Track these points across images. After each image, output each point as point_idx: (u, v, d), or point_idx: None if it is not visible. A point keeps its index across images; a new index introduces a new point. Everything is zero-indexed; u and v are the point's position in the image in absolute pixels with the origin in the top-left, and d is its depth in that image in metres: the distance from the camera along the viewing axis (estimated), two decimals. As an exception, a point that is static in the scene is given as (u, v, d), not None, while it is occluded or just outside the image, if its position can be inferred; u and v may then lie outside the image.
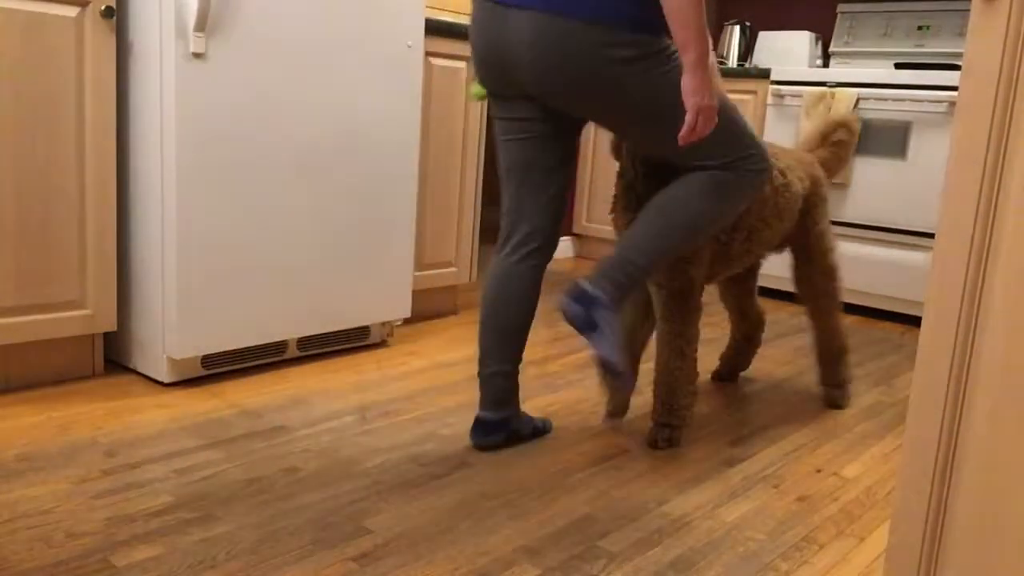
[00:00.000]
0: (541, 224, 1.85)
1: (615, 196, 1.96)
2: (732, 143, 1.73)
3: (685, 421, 1.94)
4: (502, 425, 1.88)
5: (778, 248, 2.23)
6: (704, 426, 2.10)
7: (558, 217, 1.87)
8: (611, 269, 1.71)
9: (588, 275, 1.72)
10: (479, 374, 1.89)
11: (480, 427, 1.88)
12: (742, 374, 2.53)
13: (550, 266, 4.11)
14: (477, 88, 1.90)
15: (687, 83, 1.60)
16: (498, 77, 1.74)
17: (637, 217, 1.76)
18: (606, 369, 1.72)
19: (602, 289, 1.69)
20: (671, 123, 1.67)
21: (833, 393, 2.33)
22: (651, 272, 1.73)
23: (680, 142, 1.64)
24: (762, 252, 2.11)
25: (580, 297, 1.69)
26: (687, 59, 1.59)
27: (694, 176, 1.74)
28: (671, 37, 1.62)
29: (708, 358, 2.65)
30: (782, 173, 2.02)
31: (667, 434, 1.94)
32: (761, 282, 3.66)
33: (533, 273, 1.87)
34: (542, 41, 1.63)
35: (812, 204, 2.17)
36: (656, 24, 1.63)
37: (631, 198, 1.91)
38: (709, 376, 2.49)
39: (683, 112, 1.64)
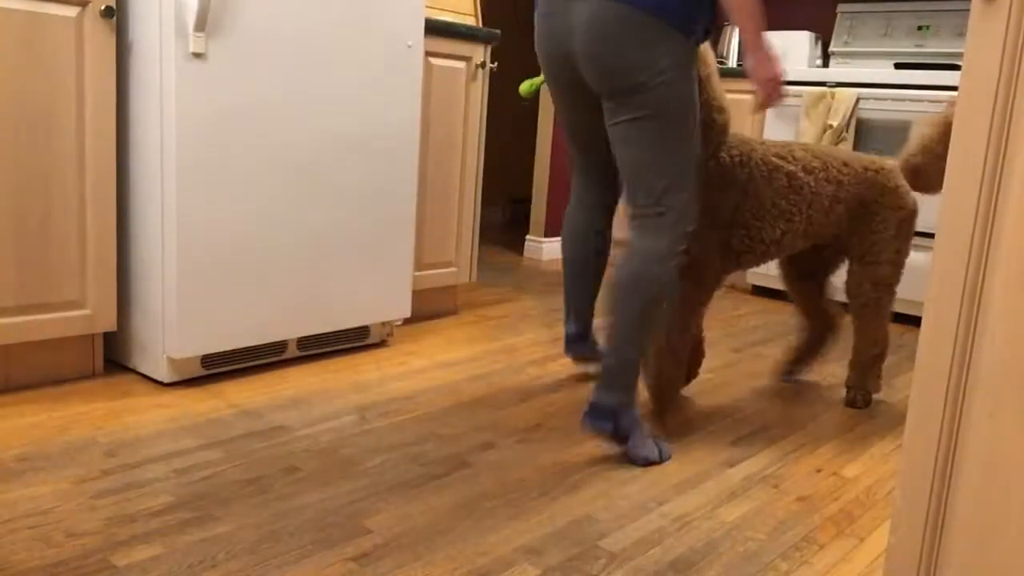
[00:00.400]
0: (605, 190, 2.21)
1: None
2: (679, 179, 1.80)
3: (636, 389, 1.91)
4: (583, 336, 2.31)
5: (838, 253, 2.29)
6: (704, 426, 2.10)
7: (615, 180, 2.19)
8: (615, 376, 1.81)
9: (598, 389, 1.82)
10: (571, 335, 2.31)
11: (569, 339, 2.32)
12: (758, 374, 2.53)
13: (552, 267, 4.11)
14: (527, 85, 2.20)
15: (748, 61, 1.82)
16: (558, 72, 1.93)
17: (609, 315, 1.84)
18: (649, 463, 1.85)
19: (616, 397, 1.81)
20: (671, 129, 1.78)
21: (855, 396, 2.33)
22: (645, 352, 1.86)
23: (757, 111, 1.87)
24: (776, 250, 2.08)
25: (602, 414, 1.81)
26: (746, 39, 1.79)
27: (627, 257, 1.82)
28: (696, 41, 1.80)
29: (713, 359, 2.65)
30: (794, 175, 2.02)
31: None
32: (761, 282, 3.66)
33: (599, 217, 2.22)
34: (597, 21, 1.75)
35: (872, 211, 2.15)
36: (694, 28, 1.77)
37: None
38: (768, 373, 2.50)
39: (684, 127, 1.78)
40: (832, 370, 2.64)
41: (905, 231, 2.18)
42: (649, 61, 1.72)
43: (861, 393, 2.32)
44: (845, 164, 2.12)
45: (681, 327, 2.03)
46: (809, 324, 2.46)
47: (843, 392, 2.43)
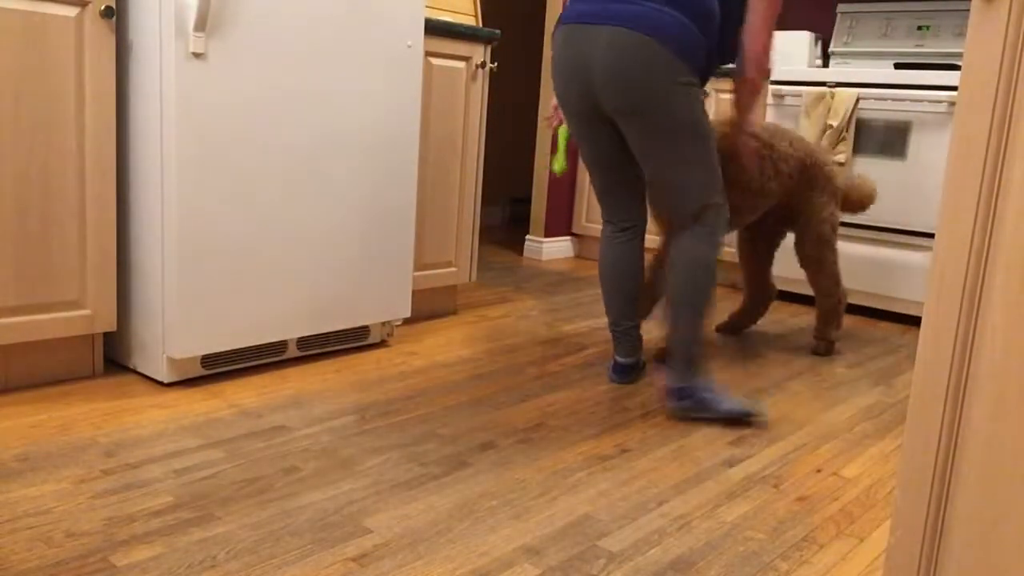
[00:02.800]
0: (631, 209, 2.30)
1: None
2: (710, 189, 2.10)
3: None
4: (635, 366, 2.38)
5: (786, 221, 2.74)
6: (704, 426, 2.10)
7: (642, 200, 2.31)
8: (680, 359, 2.10)
9: (668, 373, 2.12)
10: (613, 331, 2.36)
11: (620, 369, 2.37)
12: (749, 375, 2.54)
13: (552, 267, 4.11)
14: (558, 163, 2.45)
15: (742, 103, 2.17)
16: (576, 89, 2.10)
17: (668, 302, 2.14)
18: (732, 414, 2.10)
19: (684, 376, 2.10)
20: (690, 154, 2.06)
21: (819, 346, 2.79)
22: (702, 334, 2.10)
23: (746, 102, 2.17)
24: (752, 212, 2.54)
25: (680, 394, 2.10)
26: (753, 81, 2.10)
27: (681, 249, 2.11)
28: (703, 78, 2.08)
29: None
30: (768, 146, 2.48)
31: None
32: (761, 282, 3.67)
33: (633, 248, 2.31)
34: (616, 48, 1.98)
35: (811, 177, 2.62)
36: (704, 65, 2.05)
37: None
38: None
39: (700, 152, 2.06)
40: (831, 370, 2.64)
41: (833, 195, 2.68)
42: (665, 80, 1.98)
43: (823, 342, 2.77)
44: (791, 143, 2.58)
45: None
46: (750, 293, 2.92)
47: (843, 391, 2.44)
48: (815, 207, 2.64)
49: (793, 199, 2.66)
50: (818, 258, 2.68)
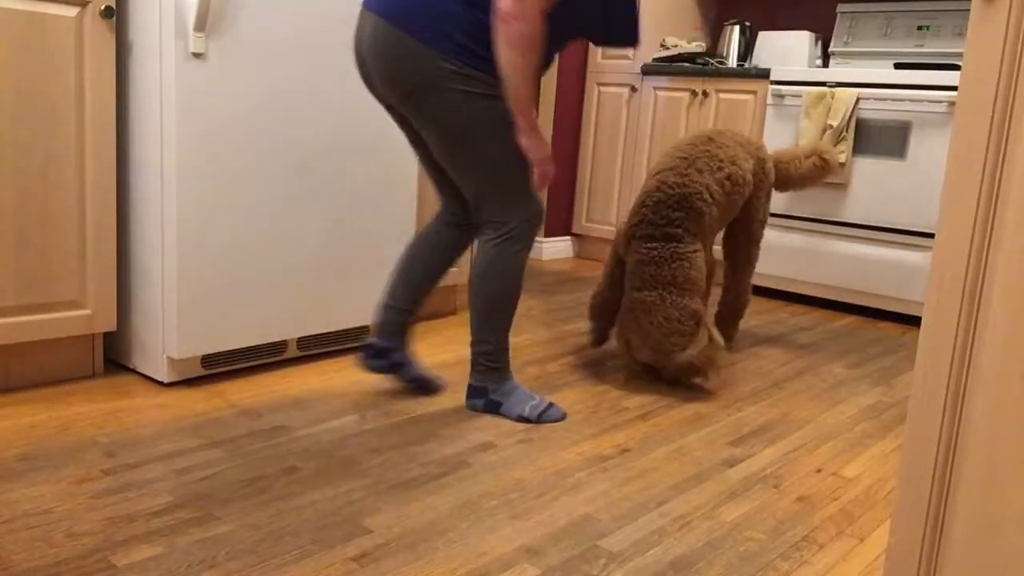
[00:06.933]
0: (461, 206, 2.12)
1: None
2: (513, 206, 1.96)
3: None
4: (387, 352, 2.13)
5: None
6: (704, 426, 2.10)
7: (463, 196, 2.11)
8: (476, 359, 2.06)
9: (471, 370, 2.08)
10: (381, 305, 2.14)
11: (369, 350, 2.13)
12: (743, 374, 2.54)
13: (552, 267, 4.11)
14: None
15: (524, 144, 1.90)
16: (365, 80, 1.96)
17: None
18: (522, 419, 2.05)
19: (480, 376, 2.07)
20: (482, 157, 1.89)
21: None
22: (505, 340, 2.05)
23: (537, 189, 1.98)
24: (722, 226, 2.56)
25: (472, 392, 2.08)
26: (519, 121, 1.87)
27: (484, 255, 1.99)
28: (497, 77, 1.85)
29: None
30: (729, 178, 2.44)
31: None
32: (763, 283, 3.67)
33: (442, 239, 2.13)
34: (376, 39, 1.83)
35: (757, 182, 2.61)
36: (482, 59, 1.83)
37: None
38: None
39: (497, 151, 1.89)
40: (831, 370, 2.65)
41: (769, 192, 2.69)
42: (421, 72, 1.81)
43: (728, 342, 2.79)
44: (744, 146, 2.58)
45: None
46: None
47: (843, 391, 2.43)
48: (756, 207, 2.64)
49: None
50: (748, 255, 2.70)
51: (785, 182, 2.79)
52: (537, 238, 4.28)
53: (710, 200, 2.35)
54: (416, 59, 1.79)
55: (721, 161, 2.43)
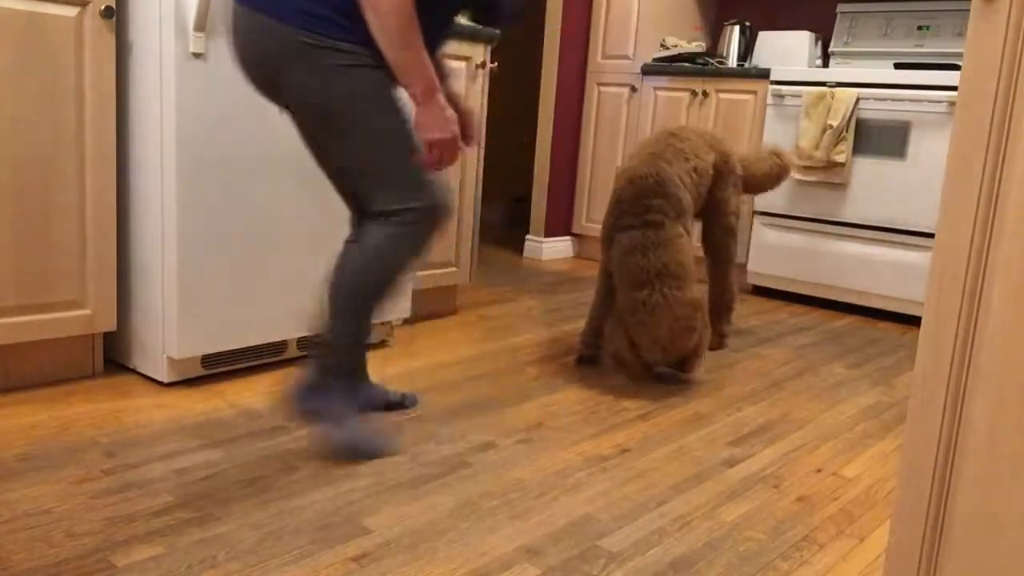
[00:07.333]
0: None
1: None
2: (408, 193, 1.72)
3: None
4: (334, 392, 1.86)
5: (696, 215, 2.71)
6: (704, 426, 2.10)
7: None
8: (320, 354, 1.77)
9: (309, 365, 1.78)
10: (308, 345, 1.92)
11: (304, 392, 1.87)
12: (744, 372, 2.54)
13: (552, 267, 4.10)
14: None
15: (416, 118, 1.70)
16: (252, 83, 1.78)
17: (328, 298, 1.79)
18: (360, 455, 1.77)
19: (317, 376, 1.77)
20: (361, 136, 1.69)
21: (713, 340, 2.75)
22: (359, 336, 1.77)
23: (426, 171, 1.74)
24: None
25: (303, 394, 1.78)
26: (411, 94, 1.68)
27: (367, 232, 1.74)
28: (367, 46, 1.65)
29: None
30: (695, 169, 2.48)
31: None
32: (763, 283, 3.67)
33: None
34: (248, 35, 1.69)
35: (720, 173, 2.63)
36: (342, 28, 1.65)
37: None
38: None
39: (377, 128, 1.69)
40: (831, 370, 2.64)
41: (736, 185, 2.71)
42: (286, 48, 1.65)
43: (716, 337, 2.77)
44: (705, 140, 2.61)
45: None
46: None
47: (843, 391, 2.43)
48: (726, 199, 2.66)
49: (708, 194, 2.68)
50: (726, 248, 2.71)
51: (745, 183, 2.81)
52: (537, 238, 4.28)
53: (682, 186, 2.37)
54: (274, 36, 1.65)
55: (686, 154, 2.47)
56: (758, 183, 2.85)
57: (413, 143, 1.72)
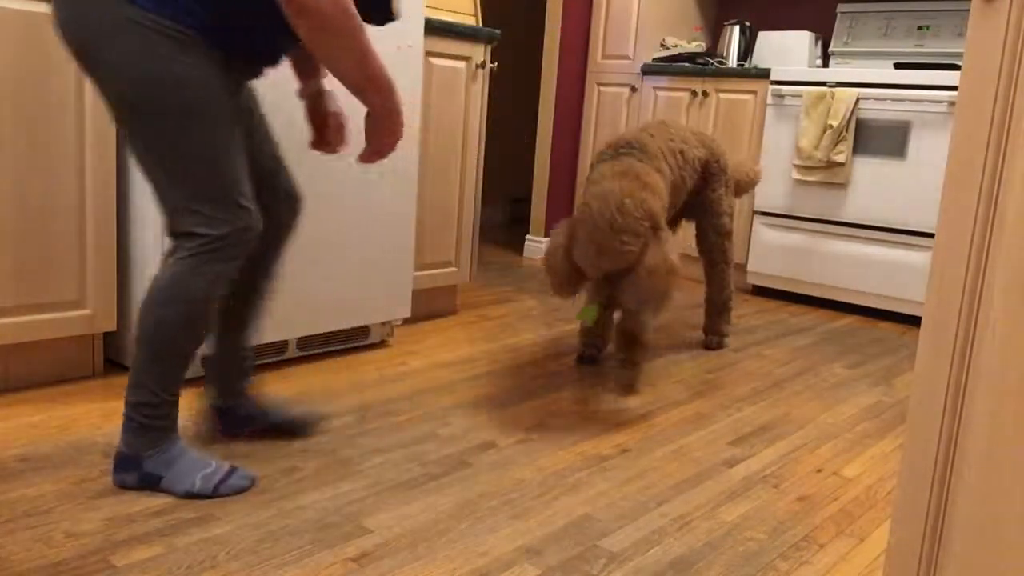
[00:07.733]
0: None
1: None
2: (220, 213, 1.48)
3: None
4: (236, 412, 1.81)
5: (686, 214, 2.74)
6: (704, 426, 2.10)
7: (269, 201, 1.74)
8: (129, 420, 1.55)
9: (122, 434, 1.57)
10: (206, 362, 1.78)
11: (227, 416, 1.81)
12: (742, 372, 2.54)
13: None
14: (588, 311, 2.30)
15: (374, 129, 1.55)
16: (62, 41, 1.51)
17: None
18: (190, 495, 1.57)
19: (131, 441, 1.55)
20: (168, 140, 1.43)
21: (712, 340, 2.81)
22: (174, 389, 1.56)
23: (362, 160, 1.60)
24: (672, 210, 2.50)
25: (122, 464, 1.57)
26: (371, 105, 1.52)
27: (166, 272, 1.51)
28: (177, 21, 1.39)
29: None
30: (681, 153, 2.46)
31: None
32: (763, 283, 3.67)
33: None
34: (58, 17, 1.44)
35: (710, 172, 2.64)
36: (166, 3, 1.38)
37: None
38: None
39: (163, 136, 1.43)
40: (831, 370, 2.64)
41: (727, 185, 2.71)
42: (89, 23, 1.39)
43: (715, 337, 2.81)
44: (698, 137, 2.60)
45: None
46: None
47: (843, 391, 2.44)
48: (718, 199, 2.66)
49: (697, 193, 2.67)
50: (722, 249, 2.71)
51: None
52: (537, 237, 4.28)
53: (661, 155, 2.33)
54: (76, 10, 1.39)
55: (672, 135, 2.46)
56: (738, 187, 2.89)
57: (240, 155, 1.50)
